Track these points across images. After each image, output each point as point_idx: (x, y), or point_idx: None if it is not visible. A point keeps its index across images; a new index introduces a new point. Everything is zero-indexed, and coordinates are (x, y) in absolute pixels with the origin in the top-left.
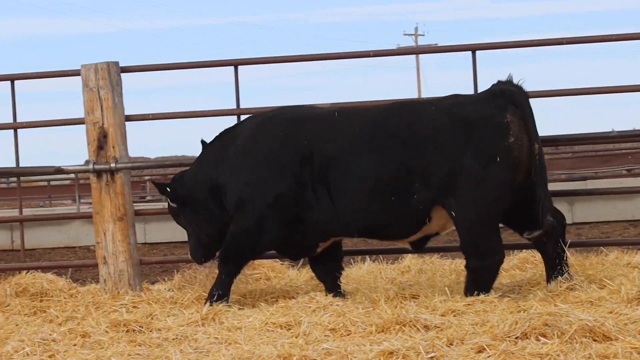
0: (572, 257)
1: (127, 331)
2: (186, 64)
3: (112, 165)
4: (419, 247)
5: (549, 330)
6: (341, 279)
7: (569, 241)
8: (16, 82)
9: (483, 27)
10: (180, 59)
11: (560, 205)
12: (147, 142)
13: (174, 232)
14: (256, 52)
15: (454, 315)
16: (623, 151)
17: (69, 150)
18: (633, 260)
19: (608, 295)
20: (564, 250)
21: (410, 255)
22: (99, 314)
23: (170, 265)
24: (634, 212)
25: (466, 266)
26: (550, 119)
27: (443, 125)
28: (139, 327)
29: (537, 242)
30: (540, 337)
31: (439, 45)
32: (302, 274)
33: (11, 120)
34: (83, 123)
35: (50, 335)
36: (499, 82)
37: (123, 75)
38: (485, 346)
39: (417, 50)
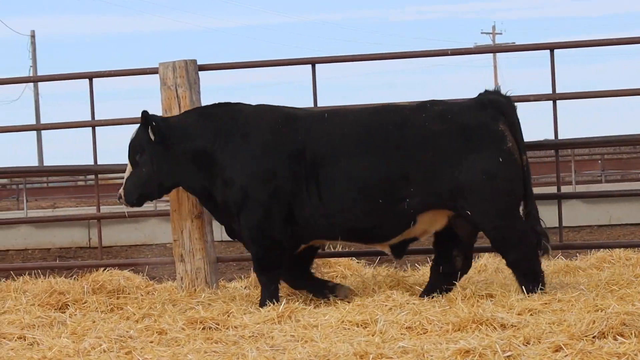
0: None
1: (204, 328)
2: (264, 62)
3: None
4: (400, 254)
5: (627, 330)
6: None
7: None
8: (94, 80)
9: (560, 25)
10: (258, 57)
11: None
12: None
13: None
14: (334, 50)
15: (531, 314)
16: None
17: None
18: None
19: None
20: (447, 290)
21: (487, 254)
22: (176, 311)
23: (247, 262)
24: None
25: (508, 264)
26: (632, 118)
27: (439, 131)
28: (216, 324)
29: (433, 264)
30: (617, 337)
31: (516, 43)
32: (378, 272)
33: (89, 118)
34: None
35: (127, 332)
36: (486, 91)
37: (201, 73)
38: (562, 345)
39: (494, 49)
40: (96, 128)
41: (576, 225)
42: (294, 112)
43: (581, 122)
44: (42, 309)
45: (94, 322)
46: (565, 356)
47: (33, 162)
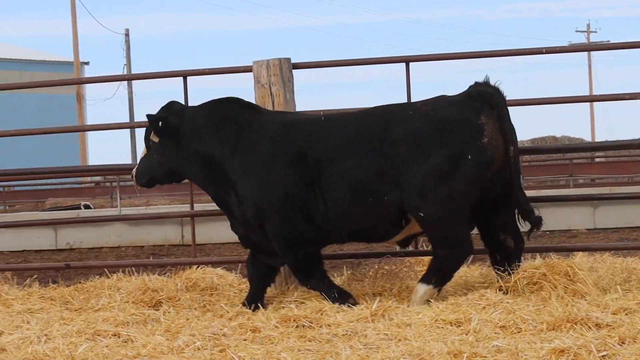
0: None
1: (297, 326)
2: (358, 61)
3: None
4: (406, 245)
5: None
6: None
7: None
8: (188, 78)
9: None
10: (351, 56)
11: None
12: None
13: None
14: (428, 48)
15: (626, 314)
16: None
17: None
18: None
19: None
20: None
21: (580, 253)
22: (269, 309)
23: (339, 261)
24: None
25: (434, 254)
26: None
27: (418, 128)
28: (309, 322)
29: (492, 259)
30: None
31: (611, 42)
32: (471, 271)
33: None
34: None
35: (220, 329)
36: (476, 83)
37: (295, 71)
38: None
39: (589, 48)
40: None
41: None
42: (292, 117)
43: None
44: (136, 307)
45: (187, 319)
46: None
47: (127, 160)
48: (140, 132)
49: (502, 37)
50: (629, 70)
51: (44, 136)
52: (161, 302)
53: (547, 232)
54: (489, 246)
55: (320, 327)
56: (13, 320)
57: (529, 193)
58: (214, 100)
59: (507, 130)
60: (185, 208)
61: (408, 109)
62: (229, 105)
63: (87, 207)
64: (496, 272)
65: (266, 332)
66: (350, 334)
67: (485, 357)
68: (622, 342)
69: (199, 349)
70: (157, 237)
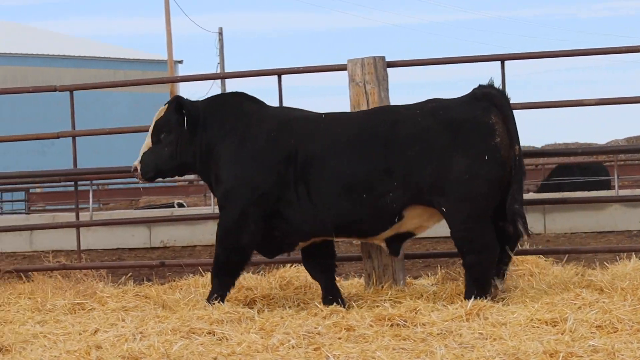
0: None
1: (392, 325)
2: (453, 59)
3: None
4: (396, 250)
5: None
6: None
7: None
8: (283, 76)
9: None
10: (445, 54)
11: None
12: None
13: (436, 227)
14: (522, 47)
15: None
16: None
17: None
18: None
19: None
20: (511, 256)
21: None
22: (363, 308)
23: (433, 260)
24: None
25: (463, 264)
26: None
27: (427, 127)
28: (403, 321)
29: None
30: None
31: None
32: (566, 271)
33: None
34: None
35: (315, 328)
36: (480, 85)
37: (389, 70)
38: None
39: None
40: None
41: None
42: (291, 114)
43: None
44: (231, 305)
45: (282, 317)
46: None
47: None
48: None
49: (598, 35)
50: None
51: (138, 134)
52: (255, 300)
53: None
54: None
55: (415, 326)
56: (108, 318)
57: (624, 192)
58: (220, 94)
59: (512, 130)
60: None
61: (413, 108)
62: (235, 99)
63: (180, 205)
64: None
65: (360, 330)
66: (444, 333)
67: (581, 357)
68: None
69: (293, 347)
70: None
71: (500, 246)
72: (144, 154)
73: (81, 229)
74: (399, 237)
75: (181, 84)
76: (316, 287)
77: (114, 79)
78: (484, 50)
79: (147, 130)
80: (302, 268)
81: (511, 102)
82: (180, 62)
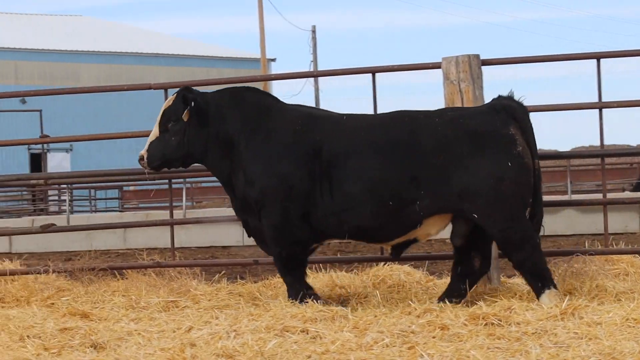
0: None
1: (486, 324)
2: (548, 57)
3: None
4: (399, 254)
5: None
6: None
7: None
8: (377, 74)
9: None
10: (539, 52)
11: None
12: None
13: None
14: (618, 45)
15: None
16: None
17: None
18: None
19: None
20: (467, 290)
21: None
22: (458, 307)
23: None
24: None
25: (514, 266)
26: None
27: (451, 137)
28: (498, 320)
29: (453, 268)
30: None
31: None
32: None
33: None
34: None
35: (409, 327)
36: (499, 97)
37: (483, 68)
38: None
39: None
40: None
41: None
42: (314, 112)
43: None
44: (324, 303)
45: (375, 316)
46: None
47: None
48: None
49: None
50: None
51: None
52: (349, 298)
53: None
54: (457, 256)
55: (510, 325)
56: (202, 315)
57: None
58: (232, 87)
59: (531, 144)
60: None
61: (433, 116)
62: (250, 92)
63: None
64: (451, 282)
65: (455, 329)
66: (539, 333)
67: None
68: None
69: (387, 345)
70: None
71: (459, 277)
72: (150, 142)
73: (175, 226)
74: (405, 243)
75: (274, 82)
76: (410, 285)
77: (208, 76)
78: (579, 49)
79: None
80: (395, 266)
81: (608, 99)
82: (273, 60)
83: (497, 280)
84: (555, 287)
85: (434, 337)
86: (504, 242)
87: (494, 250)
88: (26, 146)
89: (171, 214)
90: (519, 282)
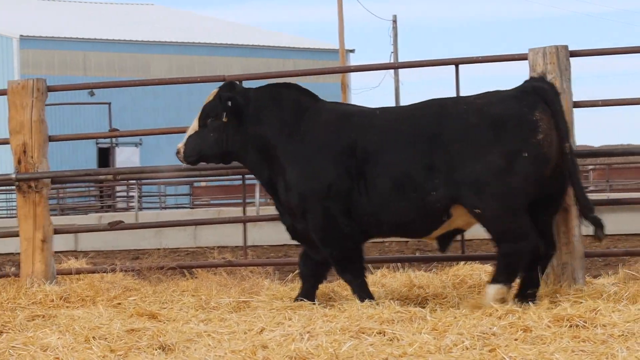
0: None
1: (570, 326)
2: (638, 48)
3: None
4: (445, 246)
5: None
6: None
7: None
8: (460, 66)
9: None
10: (633, 43)
11: None
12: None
13: (619, 224)
14: None
15: None
16: None
17: None
18: None
19: None
20: (539, 278)
21: None
22: (541, 308)
23: (614, 258)
24: None
25: (499, 252)
26: None
27: (473, 124)
28: (583, 322)
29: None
30: None
31: None
32: None
33: None
34: None
35: (490, 328)
36: (531, 78)
37: (572, 59)
38: None
39: None
40: None
41: None
42: (349, 109)
43: None
44: (401, 304)
45: (455, 317)
46: None
47: None
48: None
49: None
50: None
51: None
52: (427, 299)
53: None
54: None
55: (595, 327)
56: (274, 316)
57: None
58: (273, 84)
59: (561, 127)
60: None
61: (462, 103)
62: (289, 91)
63: None
64: (521, 276)
65: (538, 331)
66: (627, 335)
67: None
68: None
69: (467, 348)
70: None
71: (530, 265)
72: (189, 136)
73: (247, 224)
74: (449, 234)
75: (353, 74)
76: None
77: (283, 68)
78: None
79: None
80: (476, 266)
81: None
82: (352, 51)
83: (582, 281)
84: (509, 288)
85: (515, 340)
86: (499, 232)
87: (580, 249)
88: (94, 140)
89: (244, 211)
90: (604, 282)
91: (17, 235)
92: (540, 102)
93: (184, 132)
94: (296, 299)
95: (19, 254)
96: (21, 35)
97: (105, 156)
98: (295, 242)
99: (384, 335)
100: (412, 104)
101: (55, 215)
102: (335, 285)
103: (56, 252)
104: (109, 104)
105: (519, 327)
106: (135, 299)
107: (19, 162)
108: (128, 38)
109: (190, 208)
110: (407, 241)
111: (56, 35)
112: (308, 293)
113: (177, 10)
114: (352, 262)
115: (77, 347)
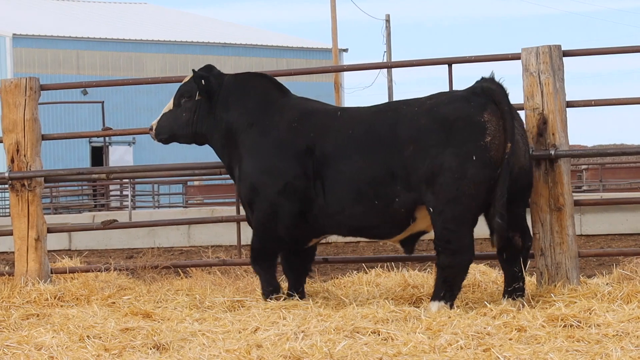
0: None
1: (565, 326)
2: (634, 48)
3: (552, 152)
4: (410, 248)
5: None
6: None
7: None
8: (453, 65)
9: None
10: (627, 43)
11: None
12: (585, 129)
13: (612, 224)
14: None
15: None
16: None
17: None
18: None
19: None
20: (522, 270)
21: None
22: (535, 308)
23: (608, 258)
24: None
25: (437, 263)
26: None
27: (423, 126)
28: (577, 322)
29: (499, 258)
30: None
31: None
32: None
33: None
34: (522, 109)
35: (484, 328)
36: (482, 79)
37: (565, 59)
38: None
39: None
40: None
41: None
42: (311, 107)
43: None
44: (396, 303)
45: (449, 317)
46: None
47: None
48: None
49: None
50: None
51: None
52: (422, 298)
53: None
54: (496, 245)
55: (589, 327)
56: (269, 316)
57: None
58: (249, 72)
59: (508, 128)
60: None
61: (414, 105)
62: (260, 82)
63: None
64: (505, 272)
65: (532, 331)
66: (621, 335)
67: None
68: None
69: (461, 348)
70: None
71: (508, 261)
72: (163, 114)
73: (241, 223)
74: (413, 236)
75: (346, 73)
76: (485, 285)
77: (276, 67)
78: None
79: None
80: (471, 265)
81: None
82: (345, 50)
83: (576, 281)
84: (451, 306)
85: (510, 339)
86: (441, 240)
87: (574, 249)
88: (87, 139)
89: (238, 210)
90: (598, 282)
91: (11, 234)
92: (489, 103)
93: None
94: (286, 296)
95: (12, 252)
96: (14, 34)
97: (98, 155)
98: None
99: (379, 335)
100: (371, 106)
101: (49, 214)
102: (329, 284)
103: (50, 251)
104: (102, 102)
105: (514, 326)
106: (129, 298)
107: (12, 160)
108: (121, 37)
109: (184, 207)
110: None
111: (49, 33)
112: (295, 287)
113: (171, 9)
114: (268, 259)
115: (71, 346)
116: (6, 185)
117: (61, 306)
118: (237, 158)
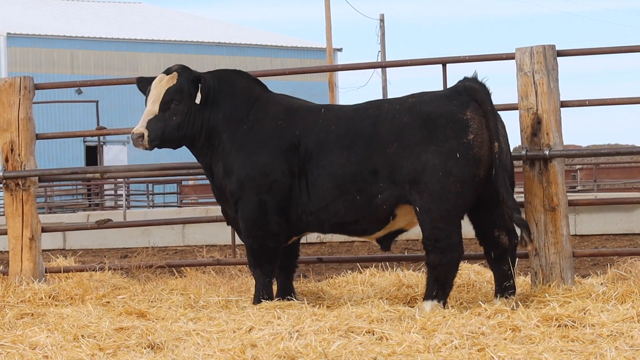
0: None
1: (559, 326)
2: (628, 48)
3: (546, 152)
4: (387, 245)
5: None
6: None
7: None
8: (448, 65)
9: None
10: (621, 43)
11: None
12: (580, 129)
13: (607, 224)
14: None
15: None
16: None
17: None
18: None
19: None
20: (511, 268)
21: None
22: (530, 308)
23: (602, 258)
24: None
25: (426, 263)
26: None
27: (406, 124)
28: (572, 322)
29: (487, 258)
30: None
31: None
32: None
33: None
34: (516, 109)
35: (479, 328)
36: (465, 78)
37: (559, 59)
38: None
39: None
40: None
41: None
42: (295, 103)
43: None
44: (390, 303)
45: (444, 317)
46: None
47: None
48: None
49: None
50: None
51: None
52: (416, 298)
53: None
54: (483, 244)
55: (584, 327)
56: (263, 315)
57: None
58: (224, 69)
59: (492, 126)
60: None
61: (396, 103)
62: (242, 78)
63: None
64: (494, 272)
65: (527, 331)
66: (615, 335)
67: None
68: None
69: (456, 347)
70: (411, 231)
71: (496, 260)
72: (149, 121)
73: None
74: (391, 234)
75: (340, 73)
76: (480, 285)
77: (271, 66)
78: None
79: None
80: (464, 265)
81: None
82: (340, 50)
83: (570, 281)
84: (444, 305)
85: (504, 339)
86: (430, 239)
87: (568, 249)
88: (82, 138)
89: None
90: (593, 282)
91: (5, 234)
92: (471, 102)
93: None
94: (277, 296)
95: (7, 252)
96: (8, 33)
97: (93, 154)
98: None
99: (373, 335)
100: (354, 104)
101: (43, 213)
102: (324, 284)
103: (44, 250)
104: (97, 102)
105: (508, 326)
106: (124, 298)
107: (6, 160)
108: (116, 36)
109: (178, 207)
110: (397, 240)
111: (44, 33)
112: (284, 286)
113: (165, 9)
114: (266, 260)
115: (65, 345)
116: (0, 185)
117: (55, 305)
118: (222, 154)
